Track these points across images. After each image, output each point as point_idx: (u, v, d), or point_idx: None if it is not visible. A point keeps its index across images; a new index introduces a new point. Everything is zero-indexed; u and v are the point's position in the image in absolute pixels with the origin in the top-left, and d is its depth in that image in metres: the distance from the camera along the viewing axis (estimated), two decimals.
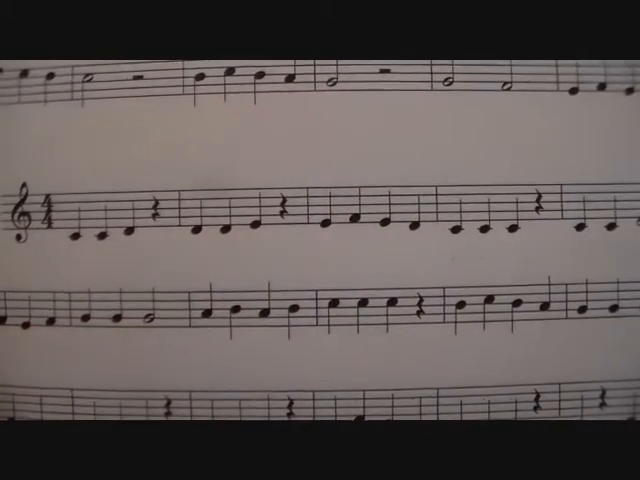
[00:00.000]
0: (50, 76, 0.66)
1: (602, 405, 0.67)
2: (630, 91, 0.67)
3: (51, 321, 0.66)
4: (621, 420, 0.66)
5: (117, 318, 0.66)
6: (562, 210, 0.66)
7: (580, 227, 0.67)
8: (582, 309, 0.67)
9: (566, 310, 0.66)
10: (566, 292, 0.66)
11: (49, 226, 0.66)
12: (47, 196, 0.66)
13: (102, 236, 0.66)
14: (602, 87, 0.67)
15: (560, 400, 0.67)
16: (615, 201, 0.67)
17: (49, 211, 0.66)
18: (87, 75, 0.66)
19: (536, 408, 0.67)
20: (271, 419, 0.65)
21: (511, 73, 0.66)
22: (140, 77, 0.65)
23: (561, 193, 0.66)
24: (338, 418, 0.65)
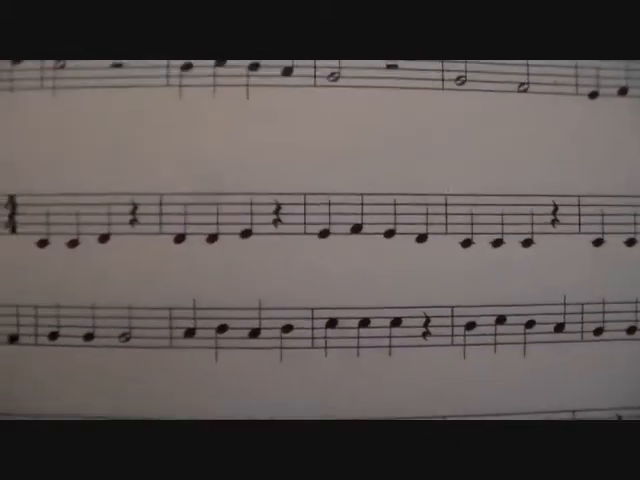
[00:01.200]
0: (17, 61, 0.57)
1: None
2: None
3: (13, 339, 0.57)
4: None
5: (89, 337, 0.57)
6: (580, 224, 0.60)
7: (598, 242, 0.60)
8: (598, 331, 0.60)
9: (582, 332, 0.60)
10: (582, 312, 0.60)
11: (13, 231, 0.57)
12: (11, 197, 0.57)
13: (73, 244, 0.57)
14: (623, 92, 0.60)
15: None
16: (635, 215, 0.60)
17: (13, 214, 0.57)
18: (59, 61, 0.57)
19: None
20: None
21: (528, 74, 0.59)
22: (119, 65, 0.57)
23: (579, 205, 0.60)
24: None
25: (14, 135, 0.57)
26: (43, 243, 0.57)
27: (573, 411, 0.60)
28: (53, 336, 0.57)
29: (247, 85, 0.57)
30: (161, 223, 0.57)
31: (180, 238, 0.57)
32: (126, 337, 0.57)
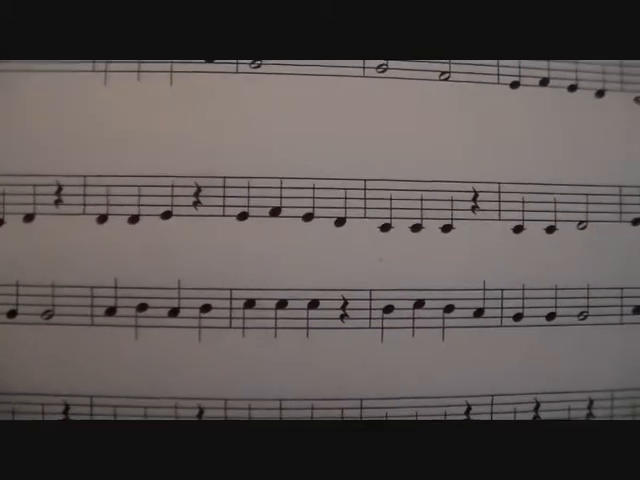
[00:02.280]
0: None
1: (535, 417, 0.60)
2: (573, 88, 0.61)
3: None
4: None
5: (12, 314, 0.57)
6: (500, 211, 0.59)
7: (518, 229, 0.60)
8: (518, 316, 0.60)
9: (501, 317, 0.59)
10: (501, 298, 0.59)
11: None
12: None
13: None
14: (544, 83, 0.60)
15: (492, 412, 0.60)
16: (555, 202, 0.60)
17: None
18: None
19: (466, 420, 0.59)
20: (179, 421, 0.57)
21: (449, 62, 0.59)
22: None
23: (499, 192, 0.59)
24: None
25: None
26: None
27: (492, 395, 0.59)
28: None
29: (171, 72, 0.57)
30: (84, 204, 0.57)
31: (102, 219, 0.57)
32: (49, 315, 0.57)
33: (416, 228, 0.58)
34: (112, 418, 0.57)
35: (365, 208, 0.58)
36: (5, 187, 0.57)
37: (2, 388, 0.57)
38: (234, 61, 0.57)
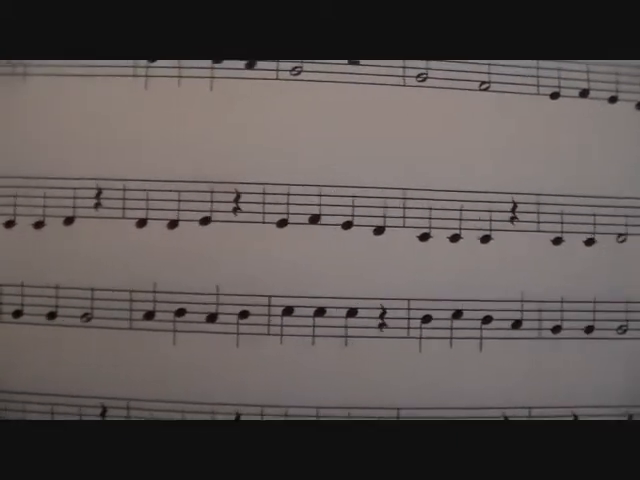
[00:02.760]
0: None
1: None
2: (614, 100, 0.60)
3: None
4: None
5: (52, 315, 0.57)
6: (539, 222, 0.59)
7: (557, 241, 0.59)
8: (556, 329, 0.59)
9: (539, 329, 0.59)
10: (540, 310, 0.59)
11: None
12: None
13: (39, 225, 0.57)
14: (584, 94, 0.60)
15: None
16: (594, 215, 0.59)
17: None
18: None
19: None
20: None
21: (489, 73, 0.59)
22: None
23: (538, 204, 0.59)
24: None
25: None
26: (9, 224, 0.57)
27: (529, 408, 0.59)
28: (17, 314, 0.57)
29: (211, 77, 0.57)
30: (124, 208, 0.57)
31: (142, 223, 0.57)
32: (87, 317, 0.57)
33: (455, 238, 0.58)
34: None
35: (404, 217, 0.57)
36: (46, 190, 0.57)
37: (41, 389, 0.57)
38: (274, 67, 0.57)
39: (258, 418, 0.57)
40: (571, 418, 0.59)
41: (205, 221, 0.56)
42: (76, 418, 0.57)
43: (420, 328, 0.57)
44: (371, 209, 0.57)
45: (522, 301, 0.58)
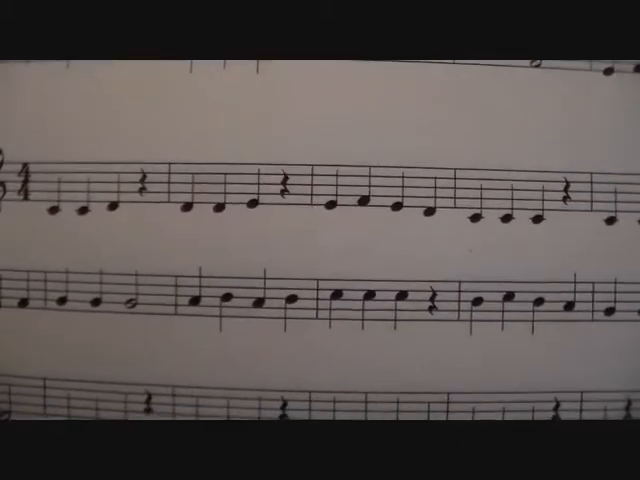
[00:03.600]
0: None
1: (627, 417, 0.57)
2: None
3: (24, 302, 0.56)
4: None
5: (96, 302, 0.56)
6: (592, 201, 0.57)
7: (610, 220, 0.57)
8: (609, 311, 0.57)
9: (592, 311, 0.57)
10: (593, 291, 0.57)
11: (25, 198, 0.56)
12: (25, 165, 0.56)
13: (83, 211, 0.56)
14: (639, 69, 0.57)
15: (581, 410, 0.57)
16: None
17: (26, 181, 0.56)
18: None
19: (555, 417, 0.57)
20: (262, 420, 0.55)
21: None
22: None
23: (591, 182, 0.57)
24: None
25: (29, 105, 0.56)
26: (54, 210, 0.56)
27: (581, 392, 0.57)
28: (62, 301, 0.56)
29: (257, 59, 0.55)
30: (169, 192, 0.55)
31: (187, 207, 0.55)
32: (132, 303, 0.55)
33: (506, 219, 0.56)
34: (194, 409, 0.56)
35: (455, 198, 0.55)
36: (90, 175, 0.55)
37: (86, 376, 0.55)
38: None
39: (306, 405, 0.55)
40: (625, 403, 0.57)
41: (252, 204, 0.55)
42: (121, 406, 0.56)
43: (471, 311, 0.56)
44: (421, 189, 0.55)
45: (575, 282, 0.56)
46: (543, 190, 0.56)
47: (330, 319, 0.55)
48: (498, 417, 0.56)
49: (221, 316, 0.55)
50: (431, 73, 0.56)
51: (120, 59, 0.55)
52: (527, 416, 0.56)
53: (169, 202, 0.55)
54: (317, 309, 0.55)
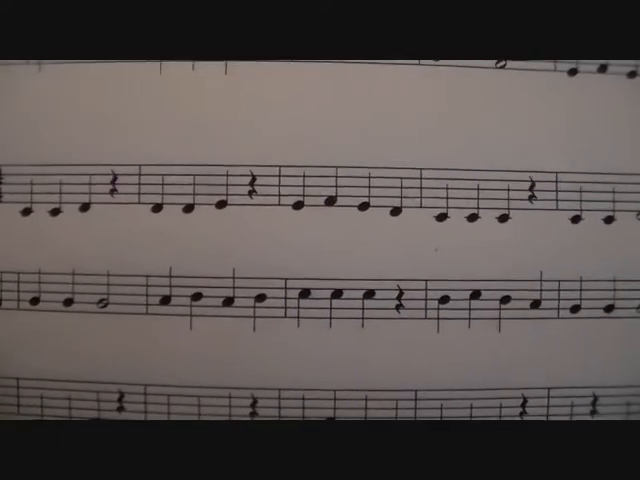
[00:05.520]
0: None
1: (593, 412, 0.57)
2: (633, 75, 0.57)
3: None
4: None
5: (69, 302, 0.56)
6: (557, 200, 0.56)
7: (576, 219, 0.57)
8: (575, 308, 0.57)
9: (558, 309, 0.57)
10: (559, 289, 0.57)
11: None
12: None
13: (55, 212, 0.56)
14: (603, 69, 0.57)
15: (548, 406, 0.57)
16: (614, 192, 0.57)
17: None
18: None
19: (522, 414, 0.57)
20: (232, 419, 0.55)
21: None
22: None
23: (556, 182, 0.56)
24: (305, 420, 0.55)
25: (1, 108, 0.56)
26: (26, 212, 0.56)
27: (548, 388, 0.57)
28: (34, 301, 0.56)
29: (226, 61, 0.55)
30: (140, 193, 0.55)
31: (158, 208, 0.55)
32: (104, 303, 0.55)
33: (472, 218, 0.56)
34: (166, 407, 0.55)
35: (421, 197, 0.55)
36: (62, 177, 0.55)
37: (58, 375, 0.55)
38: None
39: (275, 402, 0.55)
40: (591, 399, 0.57)
41: (221, 205, 0.55)
42: (94, 404, 0.56)
43: (438, 309, 0.56)
44: (387, 189, 0.55)
45: (541, 280, 0.56)
46: (509, 189, 0.56)
47: (298, 318, 0.55)
48: (466, 414, 0.56)
49: (191, 315, 0.55)
50: (397, 73, 0.55)
51: (91, 60, 0.55)
52: (495, 412, 0.56)
53: (139, 203, 0.55)
54: (286, 308, 0.55)
